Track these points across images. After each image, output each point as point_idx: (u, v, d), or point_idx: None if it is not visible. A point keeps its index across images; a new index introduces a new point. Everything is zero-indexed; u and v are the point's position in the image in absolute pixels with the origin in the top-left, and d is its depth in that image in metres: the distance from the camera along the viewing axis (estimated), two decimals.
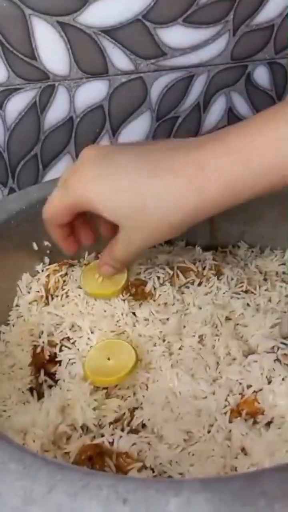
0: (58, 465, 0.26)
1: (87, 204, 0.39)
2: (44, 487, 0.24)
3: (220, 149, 0.36)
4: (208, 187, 0.36)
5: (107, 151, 0.40)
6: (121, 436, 0.38)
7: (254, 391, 0.39)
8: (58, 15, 0.56)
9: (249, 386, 0.39)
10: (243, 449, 0.36)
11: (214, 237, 0.57)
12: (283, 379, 0.39)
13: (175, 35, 0.59)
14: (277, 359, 0.40)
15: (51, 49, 0.58)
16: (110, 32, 0.58)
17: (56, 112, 0.61)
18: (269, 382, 0.39)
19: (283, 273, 0.52)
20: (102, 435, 0.38)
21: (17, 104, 0.60)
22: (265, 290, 0.49)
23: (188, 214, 0.37)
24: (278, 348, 0.41)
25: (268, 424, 0.38)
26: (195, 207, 0.37)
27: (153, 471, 0.36)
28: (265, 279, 0.52)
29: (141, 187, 0.37)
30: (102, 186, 0.38)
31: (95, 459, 0.36)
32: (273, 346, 0.41)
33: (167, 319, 0.46)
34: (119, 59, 0.60)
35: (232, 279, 0.50)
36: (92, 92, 0.61)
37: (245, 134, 0.36)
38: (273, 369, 0.39)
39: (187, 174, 0.36)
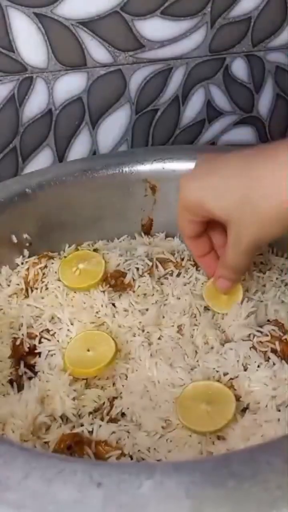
0: (34, 453, 0.26)
1: (199, 205, 0.41)
2: (19, 474, 0.25)
3: None
4: None
5: (214, 157, 0.42)
6: (100, 425, 0.39)
7: (231, 378, 0.40)
8: (35, 7, 0.56)
9: (225, 374, 0.40)
10: (219, 436, 0.37)
11: None
12: (258, 366, 0.39)
13: (153, 27, 0.59)
14: (253, 347, 0.41)
15: (28, 41, 0.57)
16: (88, 24, 0.58)
17: (34, 105, 0.61)
18: (245, 369, 0.40)
19: (261, 263, 0.53)
20: (82, 425, 0.39)
21: None
22: (243, 280, 0.50)
23: None
24: (254, 336, 0.42)
25: (244, 410, 0.38)
26: None
27: (132, 458, 0.36)
28: None
29: (245, 179, 0.38)
30: (209, 184, 0.40)
31: (74, 447, 0.36)
32: (249, 334, 0.42)
33: (146, 309, 0.47)
34: (97, 51, 0.59)
35: None
36: (71, 84, 0.61)
37: None
38: (249, 356, 0.40)
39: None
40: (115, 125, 0.64)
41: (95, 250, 0.52)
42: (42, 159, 0.64)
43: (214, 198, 0.40)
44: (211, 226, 0.45)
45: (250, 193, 0.38)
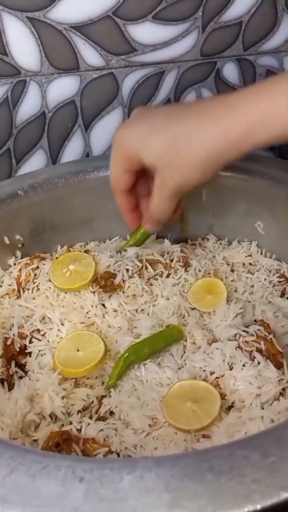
0: (20, 449, 0.27)
1: (133, 152, 0.44)
2: (4, 470, 0.25)
3: (249, 93, 0.40)
4: (234, 129, 0.39)
5: (148, 109, 0.48)
6: (88, 424, 0.39)
7: (216, 377, 0.40)
8: (28, 11, 0.57)
9: (212, 373, 0.41)
10: (204, 434, 0.38)
11: (184, 230, 0.59)
12: (243, 365, 0.40)
13: (145, 32, 0.60)
14: (239, 346, 0.42)
15: (22, 44, 0.58)
16: (80, 28, 0.59)
17: (28, 107, 0.62)
18: (231, 368, 0.41)
19: (250, 264, 0.54)
20: (71, 423, 0.40)
21: None
22: (231, 280, 0.51)
23: (215, 153, 0.41)
24: (240, 335, 0.43)
25: (229, 408, 0.39)
26: (219, 148, 0.40)
27: (119, 456, 0.37)
28: (232, 270, 0.53)
29: (173, 127, 0.42)
30: (140, 131, 0.44)
31: (62, 445, 0.37)
32: (235, 334, 0.43)
33: (136, 310, 0.48)
34: (90, 55, 0.60)
35: (199, 270, 0.51)
36: (64, 87, 0.62)
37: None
38: (235, 355, 0.41)
39: (216, 114, 0.40)
40: (107, 127, 0.65)
41: (86, 251, 0.53)
42: (36, 161, 0.65)
43: (144, 146, 0.43)
44: (139, 177, 0.48)
45: (175, 140, 0.42)
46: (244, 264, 0.54)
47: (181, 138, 0.41)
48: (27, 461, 0.26)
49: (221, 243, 0.57)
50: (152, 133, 0.43)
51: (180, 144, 0.41)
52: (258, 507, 0.23)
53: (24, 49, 0.58)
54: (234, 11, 0.62)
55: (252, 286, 0.51)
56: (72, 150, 0.65)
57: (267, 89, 0.40)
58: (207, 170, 0.42)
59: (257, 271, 0.53)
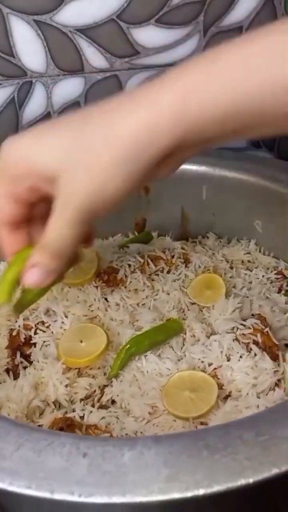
0: (26, 427, 0.28)
1: (25, 165, 0.31)
2: (12, 446, 0.27)
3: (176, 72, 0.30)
4: (162, 108, 0.29)
5: (39, 126, 0.34)
6: (91, 411, 0.41)
7: (214, 368, 0.42)
8: (35, 14, 0.58)
9: (210, 364, 0.42)
10: (202, 422, 0.39)
11: (185, 228, 0.60)
12: (240, 356, 0.42)
13: (148, 35, 0.62)
14: (236, 339, 0.43)
15: (28, 46, 0.60)
16: (85, 31, 0.60)
17: (34, 108, 0.63)
18: (228, 360, 0.42)
19: (248, 261, 0.56)
20: (74, 410, 0.41)
21: None
22: (230, 277, 0.53)
23: (141, 143, 0.29)
24: (238, 328, 0.44)
25: (226, 397, 0.41)
26: (144, 136, 0.29)
27: None
28: (231, 267, 0.55)
29: (78, 124, 0.31)
30: (36, 140, 0.32)
31: (66, 430, 0.38)
32: (233, 327, 0.44)
33: (137, 304, 0.49)
34: (94, 57, 0.62)
35: (199, 266, 0.53)
36: (69, 88, 0.63)
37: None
38: (232, 347, 0.43)
39: (136, 101, 0.30)
40: None
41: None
42: None
43: (37, 148, 0.31)
44: (33, 215, 0.35)
45: (82, 135, 0.30)
46: (243, 262, 0.56)
47: (90, 132, 0.30)
48: (33, 438, 0.27)
49: (220, 241, 0.59)
50: (48, 134, 0.31)
51: (89, 139, 0.30)
52: (251, 481, 0.24)
53: (31, 51, 0.60)
54: (234, 16, 0.63)
55: (250, 282, 0.52)
56: None
57: (197, 64, 0.30)
58: (132, 171, 0.29)
59: (256, 268, 0.54)
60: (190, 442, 0.26)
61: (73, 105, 0.64)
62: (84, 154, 0.29)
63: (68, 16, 0.59)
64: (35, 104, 0.63)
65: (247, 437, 0.26)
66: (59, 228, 0.31)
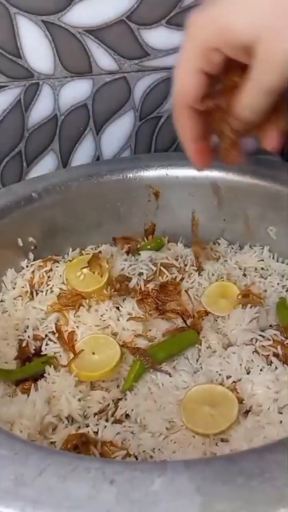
0: (48, 451, 0.27)
1: (218, 33, 0.30)
2: (34, 471, 0.25)
3: None
4: None
5: None
6: (105, 426, 0.39)
7: (233, 381, 0.41)
8: (43, 15, 0.57)
9: (228, 377, 0.41)
10: (222, 438, 0.38)
11: (195, 235, 0.59)
12: (261, 369, 0.40)
13: (158, 37, 0.61)
14: (255, 351, 0.42)
15: (36, 48, 0.58)
16: (94, 32, 0.59)
17: (40, 110, 0.62)
18: (248, 373, 0.41)
19: (262, 268, 0.54)
20: (87, 425, 0.40)
21: (1, 102, 0.60)
22: (244, 285, 0.51)
23: None
24: (256, 340, 0.43)
25: (247, 412, 0.39)
26: None
27: (137, 458, 0.37)
28: (244, 275, 0.53)
29: None
30: (225, 4, 0.30)
31: (81, 447, 0.37)
32: (252, 338, 0.43)
33: (150, 313, 0.48)
34: (103, 58, 0.61)
35: (212, 274, 0.52)
36: (76, 91, 0.62)
37: None
38: (252, 360, 0.41)
39: None
40: (119, 131, 0.65)
41: (100, 253, 0.53)
42: (46, 164, 0.65)
43: (238, 11, 0.29)
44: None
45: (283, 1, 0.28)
46: (256, 269, 0.54)
47: None
48: (56, 462, 0.26)
49: (232, 248, 0.58)
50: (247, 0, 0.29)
51: None
52: None
53: (38, 52, 0.59)
54: None
55: (265, 290, 0.51)
56: (83, 154, 0.65)
57: None
58: None
59: (270, 275, 0.53)
60: (223, 467, 0.25)
61: (80, 108, 0.63)
62: (284, 21, 0.28)
63: (76, 16, 0.57)
64: (41, 107, 0.62)
65: (282, 461, 0.25)
66: (258, 87, 0.30)
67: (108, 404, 0.42)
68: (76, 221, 0.57)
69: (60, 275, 0.51)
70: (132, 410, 0.41)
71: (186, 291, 0.49)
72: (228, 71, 0.33)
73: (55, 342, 0.45)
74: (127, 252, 0.55)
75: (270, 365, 0.41)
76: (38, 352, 0.45)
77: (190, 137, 0.35)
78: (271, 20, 0.28)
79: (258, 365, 0.41)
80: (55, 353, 0.45)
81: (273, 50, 0.28)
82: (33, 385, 0.41)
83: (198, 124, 0.35)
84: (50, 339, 0.46)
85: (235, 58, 0.31)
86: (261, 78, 0.30)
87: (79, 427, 0.40)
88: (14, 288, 0.51)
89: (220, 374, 0.42)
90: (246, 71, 0.31)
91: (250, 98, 0.31)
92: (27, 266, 0.53)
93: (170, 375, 0.42)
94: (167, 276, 0.50)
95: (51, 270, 0.52)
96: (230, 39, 0.30)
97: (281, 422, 0.37)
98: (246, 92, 0.31)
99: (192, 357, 0.44)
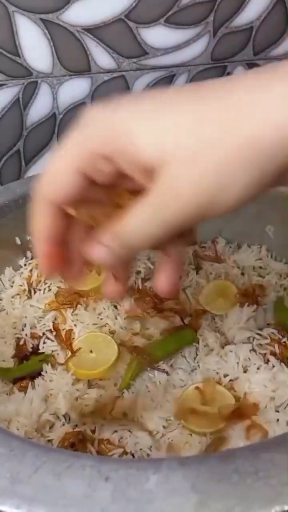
0: (44, 448, 0.27)
1: (117, 145, 0.24)
2: (30, 468, 0.25)
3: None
4: None
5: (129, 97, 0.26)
6: (102, 424, 0.39)
7: (231, 380, 0.41)
8: (41, 13, 0.57)
9: (225, 375, 0.41)
10: (220, 437, 0.38)
11: (193, 233, 0.59)
12: (258, 368, 0.40)
13: (157, 35, 0.61)
14: (253, 349, 0.42)
15: (34, 46, 0.58)
16: (93, 30, 0.59)
17: (39, 109, 0.62)
18: (245, 371, 0.41)
19: (260, 267, 0.54)
20: (84, 423, 0.40)
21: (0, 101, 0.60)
22: (242, 283, 0.51)
23: (281, 136, 0.22)
24: (254, 338, 0.43)
25: None
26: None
27: (134, 456, 0.37)
28: (242, 274, 0.53)
29: (196, 104, 0.23)
30: (140, 115, 0.24)
31: (77, 445, 0.37)
32: (249, 337, 0.43)
33: (148, 312, 0.48)
34: (101, 57, 0.60)
35: (210, 273, 0.52)
36: (75, 89, 0.62)
37: None
38: (249, 358, 0.41)
39: (266, 82, 0.23)
40: None
41: None
42: (45, 163, 0.65)
43: (146, 132, 0.24)
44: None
45: (206, 118, 0.23)
46: (254, 268, 0.54)
47: (213, 124, 0.23)
48: (51, 460, 0.26)
49: (230, 247, 0.58)
50: (153, 110, 0.24)
51: (213, 125, 0.23)
52: (286, 508, 0.23)
53: (37, 50, 0.59)
54: (245, 17, 0.62)
55: (263, 289, 0.51)
56: None
57: None
58: (265, 170, 0.23)
59: (268, 274, 0.53)
60: (218, 465, 0.25)
61: (79, 106, 0.63)
62: (210, 144, 0.22)
63: (75, 15, 0.57)
64: (40, 105, 0.62)
65: (277, 460, 0.25)
66: (145, 223, 0.24)
67: (106, 403, 0.42)
68: None
69: None
70: (129, 408, 0.41)
71: (184, 289, 0.50)
72: (116, 184, 0.26)
73: (52, 341, 0.45)
74: None
75: (267, 363, 0.41)
76: (35, 350, 0.45)
77: (43, 237, 0.28)
78: (185, 147, 0.23)
79: (255, 364, 0.41)
80: (52, 351, 0.45)
81: (179, 185, 0.23)
82: (30, 383, 0.41)
83: (59, 228, 0.28)
84: (47, 338, 0.46)
85: (130, 175, 0.25)
86: (161, 209, 0.24)
87: (76, 425, 0.40)
88: (12, 286, 0.51)
89: (217, 373, 0.42)
90: (140, 190, 0.25)
91: (141, 225, 0.25)
92: (25, 265, 0.53)
93: (167, 373, 0.42)
94: None
95: None
96: (130, 155, 0.24)
97: (278, 420, 0.37)
98: (138, 216, 0.25)
99: (189, 356, 0.44)
